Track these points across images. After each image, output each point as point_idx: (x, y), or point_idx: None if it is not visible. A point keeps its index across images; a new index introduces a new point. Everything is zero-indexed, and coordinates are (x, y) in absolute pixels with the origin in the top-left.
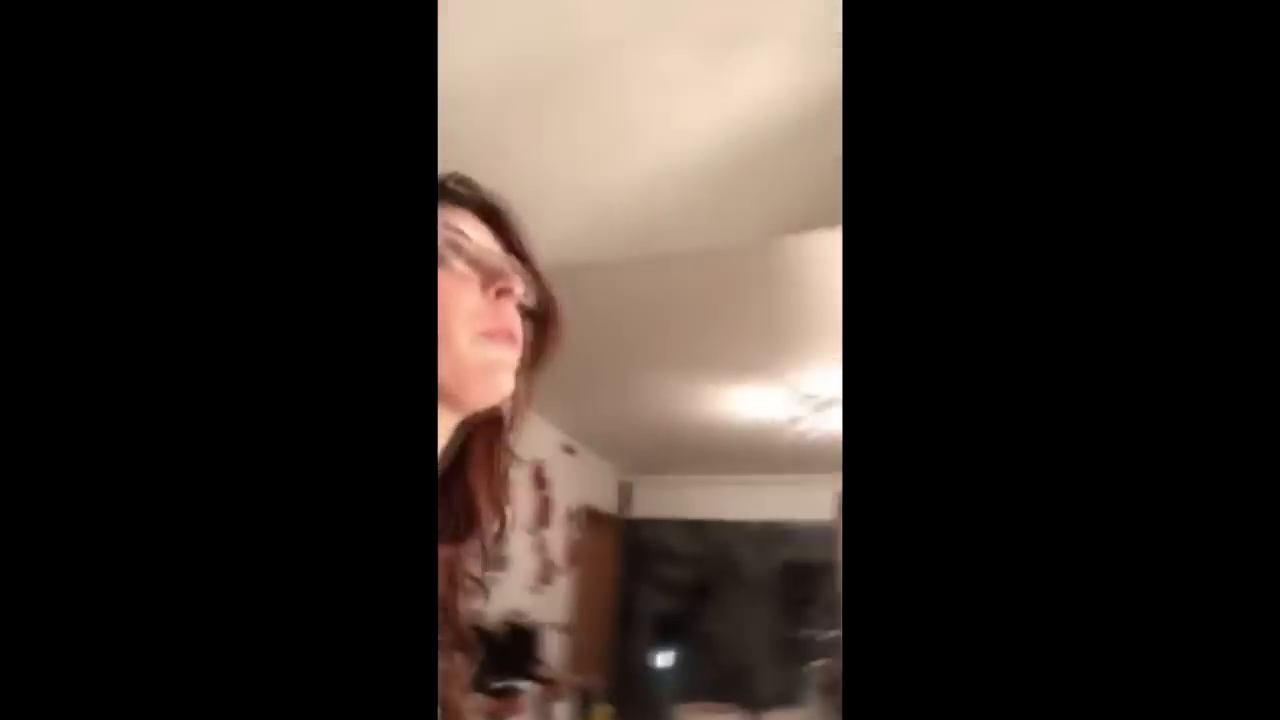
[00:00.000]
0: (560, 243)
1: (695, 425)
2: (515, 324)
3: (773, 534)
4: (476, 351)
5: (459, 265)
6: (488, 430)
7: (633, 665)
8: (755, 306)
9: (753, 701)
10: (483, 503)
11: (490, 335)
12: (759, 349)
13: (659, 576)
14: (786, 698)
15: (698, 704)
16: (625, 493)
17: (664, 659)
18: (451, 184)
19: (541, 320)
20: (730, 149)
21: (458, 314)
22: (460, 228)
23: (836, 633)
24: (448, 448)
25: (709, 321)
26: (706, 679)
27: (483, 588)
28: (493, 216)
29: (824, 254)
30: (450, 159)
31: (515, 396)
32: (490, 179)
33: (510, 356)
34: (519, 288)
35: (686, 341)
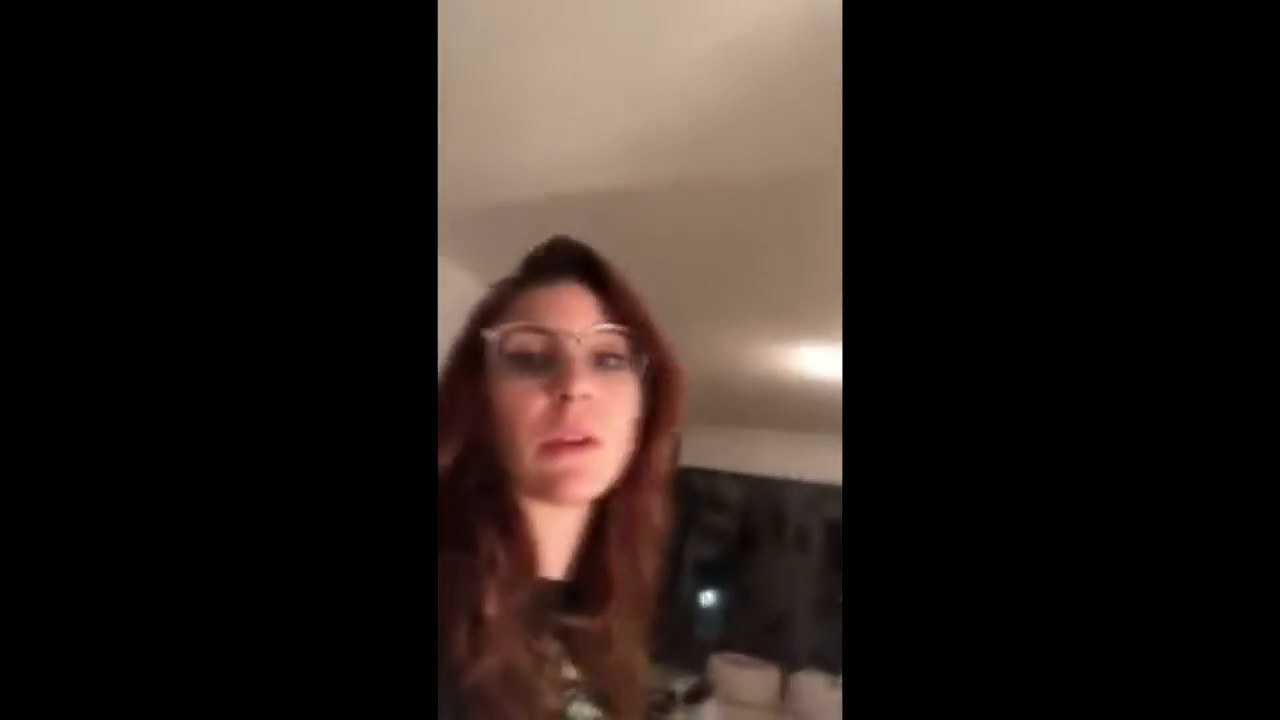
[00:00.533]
0: (594, 167)
1: (748, 377)
2: (585, 426)
3: (822, 493)
4: (541, 466)
5: (523, 376)
6: (626, 502)
7: (674, 609)
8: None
9: (787, 658)
10: (620, 585)
11: (552, 448)
12: (814, 301)
13: (706, 524)
14: (821, 658)
15: (732, 654)
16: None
17: (706, 605)
18: (545, 252)
19: (658, 381)
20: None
21: (521, 427)
22: (533, 320)
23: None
24: (583, 531)
25: (765, 262)
26: (744, 630)
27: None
28: (595, 277)
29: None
30: (447, 82)
31: (649, 464)
32: (498, 99)
33: (585, 461)
34: (578, 389)
35: (740, 287)
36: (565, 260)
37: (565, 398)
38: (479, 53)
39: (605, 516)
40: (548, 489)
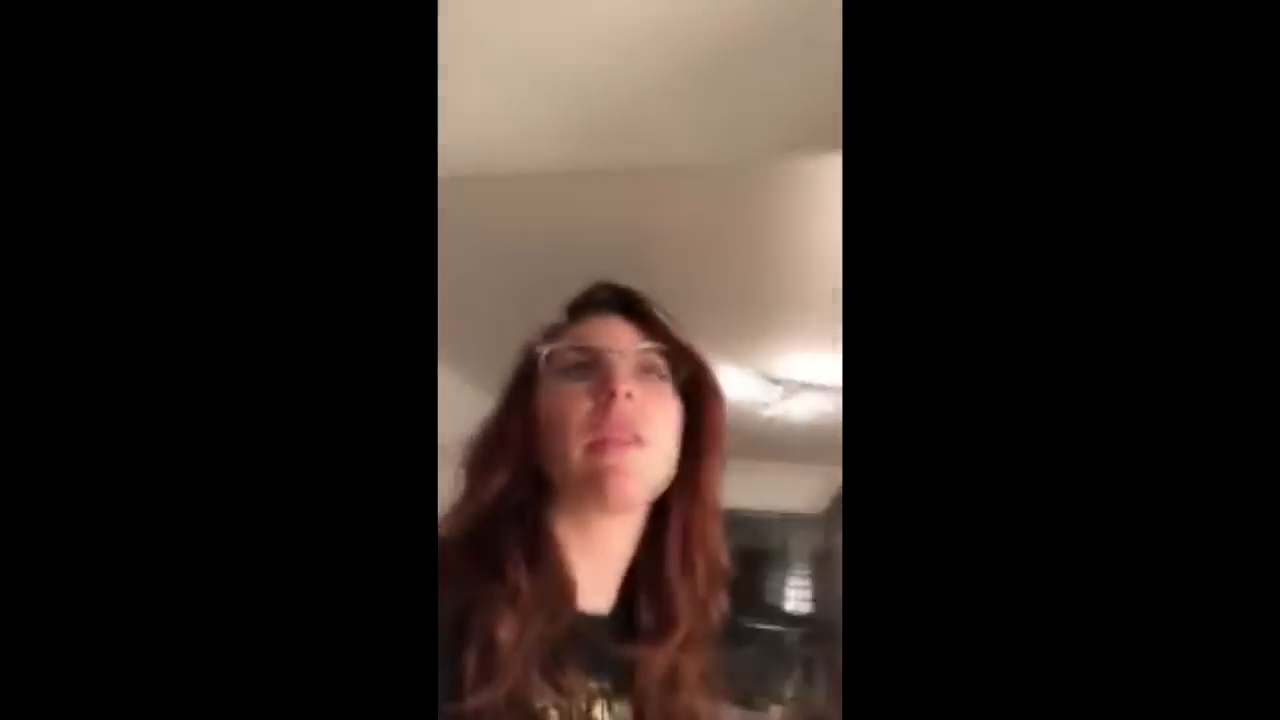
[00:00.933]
0: (528, 151)
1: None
2: (631, 425)
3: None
4: (589, 464)
5: (570, 383)
6: (684, 522)
7: None
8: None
9: None
10: (682, 612)
11: (600, 446)
12: (735, 324)
13: None
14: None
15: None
16: None
17: None
18: (585, 297)
19: (698, 398)
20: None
21: (568, 429)
22: (579, 342)
23: (775, 627)
24: (639, 553)
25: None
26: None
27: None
28: (634, 310)
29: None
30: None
31: (704, 485)
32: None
33: (632, 459)
34: (623, 387)
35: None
36: (605, 299)
37: (611, 395)
38: (474, 16)
39: (663, 537)
40: (596, 489)
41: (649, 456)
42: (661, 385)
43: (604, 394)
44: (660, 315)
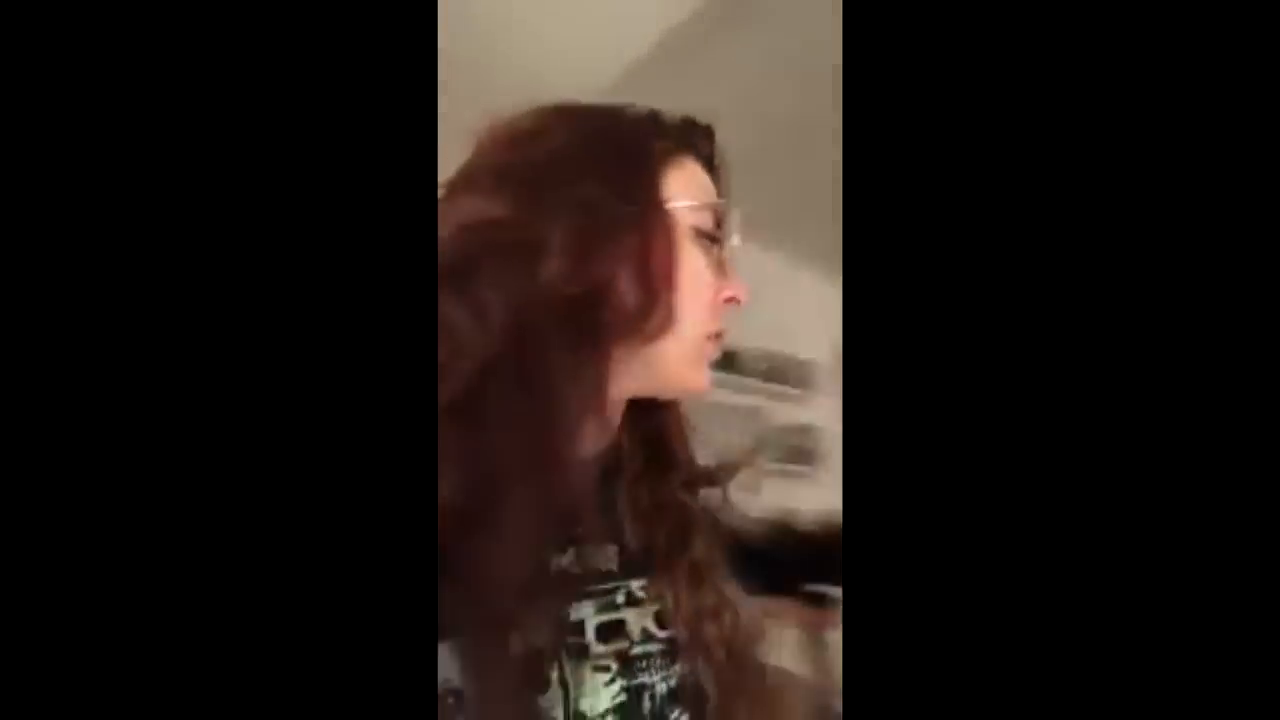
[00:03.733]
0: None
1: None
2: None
3: None
4: (703, 348)
5: (708, 254)
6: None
7: None
8: None
9: None
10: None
11: (710, 338)
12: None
13: None
14: None
15: None
16: None
17: None
18: (699, 132)
19: None
20: None
21: (704, 305)
22: (698, 194)
23: None
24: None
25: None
26: None
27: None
28: (706, 154)
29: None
30: None
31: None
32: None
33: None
34: (746, 298)
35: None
36: (694, 139)
37: (732, 301)
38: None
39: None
40: (691, 379)
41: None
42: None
43: (727, 292)
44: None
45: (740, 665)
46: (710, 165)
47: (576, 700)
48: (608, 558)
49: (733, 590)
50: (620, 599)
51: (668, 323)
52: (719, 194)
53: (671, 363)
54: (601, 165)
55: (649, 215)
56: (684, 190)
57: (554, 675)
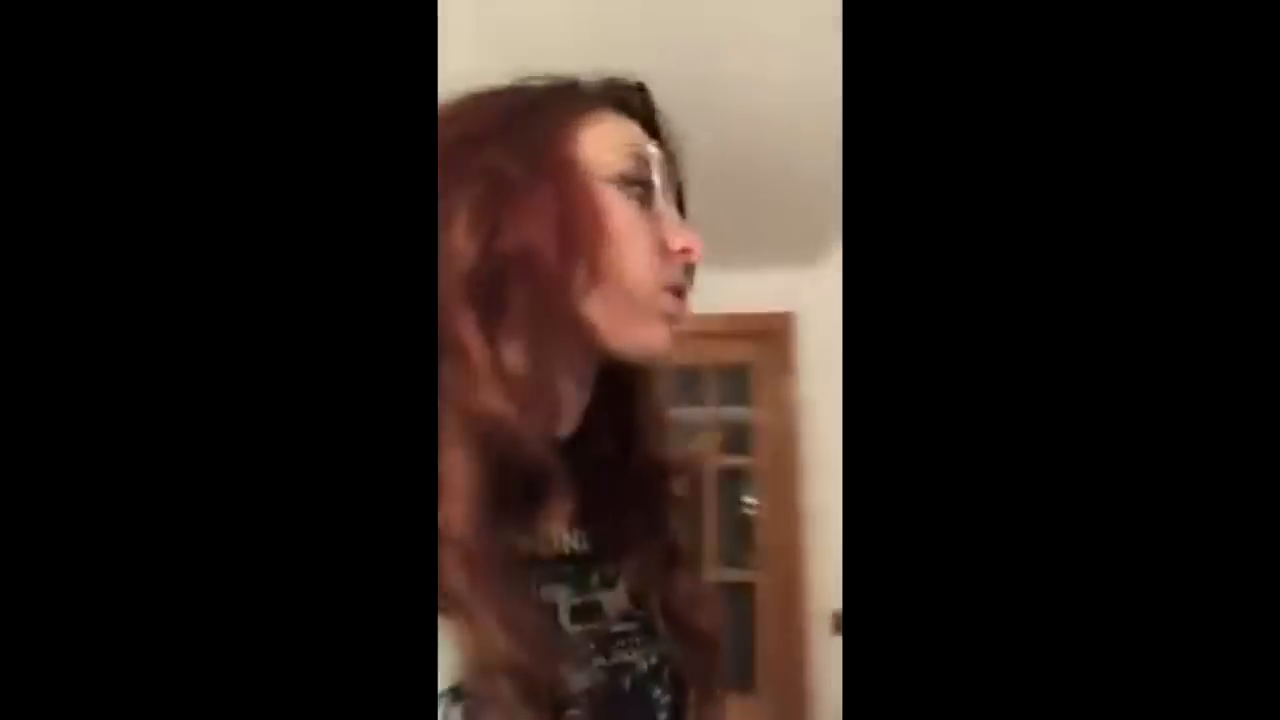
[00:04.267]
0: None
1: None
2: (685, 282)
3: None
4: (656, 303)
5: (643, 202)
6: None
7: None
8: None
9: None
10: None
11: (665, 291)
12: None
13: None
14: None
15: None
16: None
17: None
18: (625, 89)
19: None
20: None
21: (645, 258)
22: (652, 157)
23: None
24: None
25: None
26: None
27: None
28: (660, 139)
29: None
30: None
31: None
32: None
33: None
34: (698, 248)
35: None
36: (626, 99)
37: (685, 251)
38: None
39: (613, 387)
40: (644, 338)
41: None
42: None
43: (678, 242)
44: (677, 159)
45: (717, 651)
46: (648, 121)
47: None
48: (578, 540)
49: (709, 576)
50: (595, 580)
51: (596, 276)
52: (662, 148)
53: (618, 320)
54: (505, 134)
55: (559, 172)
56: (603, 143)
57: None
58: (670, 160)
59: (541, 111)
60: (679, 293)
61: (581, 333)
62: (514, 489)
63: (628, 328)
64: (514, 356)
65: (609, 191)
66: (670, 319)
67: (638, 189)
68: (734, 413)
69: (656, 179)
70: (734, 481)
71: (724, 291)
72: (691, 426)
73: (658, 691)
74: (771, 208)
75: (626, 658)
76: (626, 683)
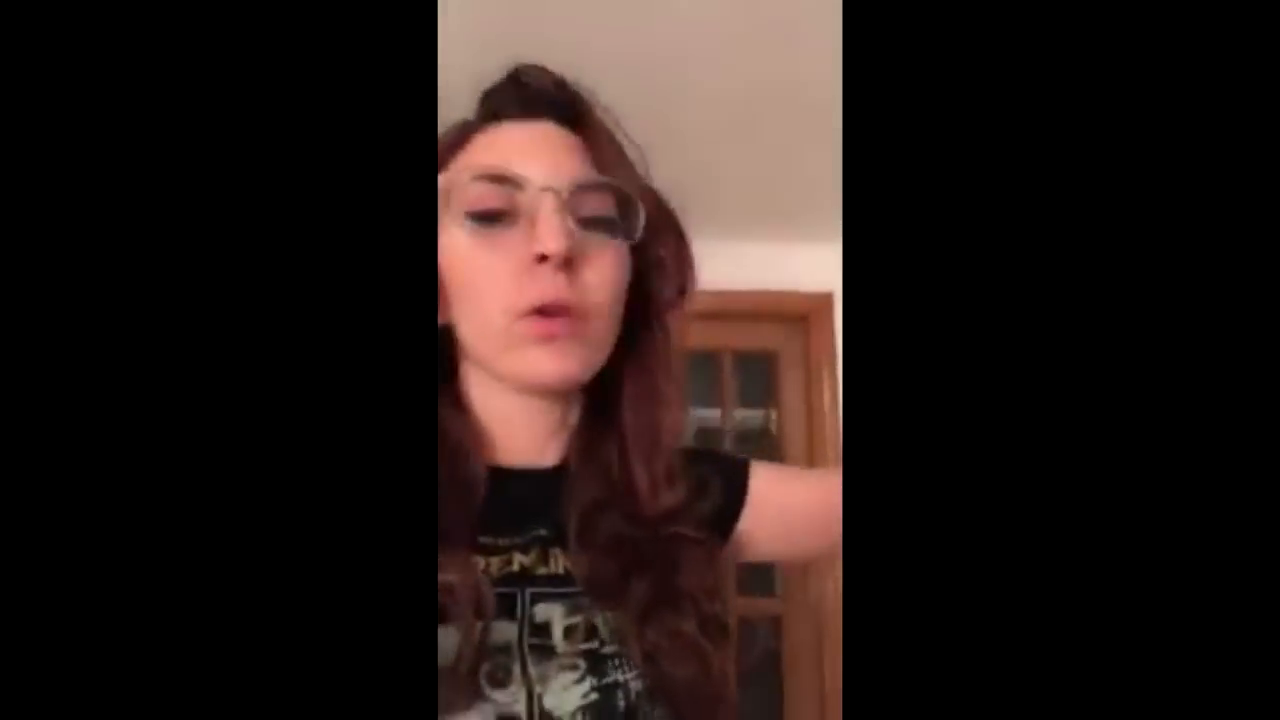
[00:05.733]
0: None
1: None
2: (563, 293)
3: None
4: (512, 340)
5: (486, 235)
6: (632, 395)
7: None
8: None
9: None
10: (641, 483)
11: (525, 320)
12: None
13: None
14: None
15: None
16: None
17: None
18: (508, 84)
19: (657, 250)
20: None
21: (487, 297)
22: (495, 168)
23: None
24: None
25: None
26: None
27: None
28: (573, 114)
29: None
30: None
31: (654, 346)
32: None
33: (561, 334)
34: (558, 245)
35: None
36: (534, 94)
37: (542, 258)
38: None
39: (607, 419)
40: (519, 369)
41: (584, 330)
42: (605, 236)
43: (531, 254)
44: (610, 125)
45: (705, 698)
46: (564, 114)
47: (541, 698)
48: (574, 563)
49: (690, 628)
50: (588, 600)
51: (461, 319)
52: (585, 136)
53: (493, 356)
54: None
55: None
56: (462, 176)
57: (516, 671)
58: (598, 145)
59: (442, 149)
60: (550, 311)
61: (478, 374)
62: (504, 507)
63: (502, 362)
64: (465, 387)
65: (453, 233)
66: (545, 339)
67: (490, 219)
68: (752, 416)
69: (528, 191)
70: None
71: (745, 265)
72: (703, 435)
73: (656, 712)
74: (809, 169)
75: (620, 677)
76: (620, 703)
